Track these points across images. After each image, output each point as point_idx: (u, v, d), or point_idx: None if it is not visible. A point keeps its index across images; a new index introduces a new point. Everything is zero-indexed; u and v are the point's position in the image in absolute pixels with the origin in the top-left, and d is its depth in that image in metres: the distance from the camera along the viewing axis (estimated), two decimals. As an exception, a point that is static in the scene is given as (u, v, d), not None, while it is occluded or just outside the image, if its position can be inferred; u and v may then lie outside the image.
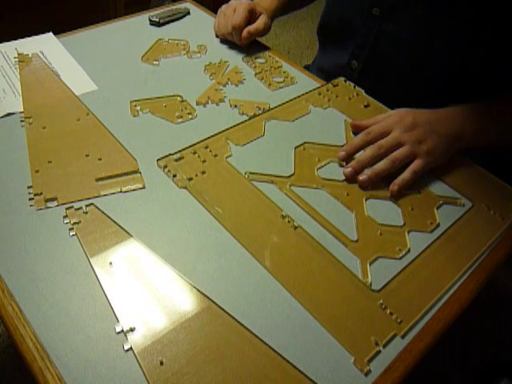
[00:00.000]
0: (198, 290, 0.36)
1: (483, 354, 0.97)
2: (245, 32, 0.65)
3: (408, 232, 0.43)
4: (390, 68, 0.64)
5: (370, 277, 0.39)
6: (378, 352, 0.34)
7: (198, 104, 0.56)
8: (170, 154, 0.48)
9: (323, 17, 0.73)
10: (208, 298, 0.36)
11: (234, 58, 0.66)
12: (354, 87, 0.62)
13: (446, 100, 0.63)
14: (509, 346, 0.99)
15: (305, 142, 0.52)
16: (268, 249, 0.40)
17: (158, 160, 0.47)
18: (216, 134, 0.51)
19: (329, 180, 0.48)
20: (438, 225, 0.45)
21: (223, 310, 0.35)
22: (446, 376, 0.93)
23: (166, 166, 0.47)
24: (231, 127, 0.53)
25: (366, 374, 0.33)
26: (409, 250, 0.42)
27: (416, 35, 0.59)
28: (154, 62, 0.63)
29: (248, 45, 0.68)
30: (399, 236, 0.43)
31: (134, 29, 0.71)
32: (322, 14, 0.73)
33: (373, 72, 0.67)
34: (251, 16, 0.67)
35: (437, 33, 0.57)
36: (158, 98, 0.57)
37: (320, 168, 0.49)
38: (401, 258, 0.41)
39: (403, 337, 0.36)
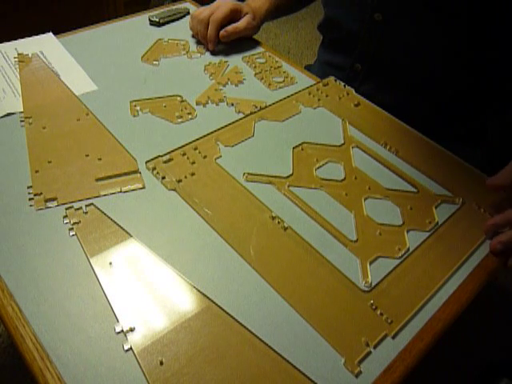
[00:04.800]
0: (198, 290, 0.36)
1: (483, 354, 0.97)
2: (222, 31, 0.65)
3: (407, 231, 0.44)
4: (395, 71, 0.64)
5: (370, 277, 0.39)
6: (369, 353, 0.34)
7: (197, 104, 0.56)
8: (159, 156, 0.48)
9: (323, 21, 0.73)
10: (208, 298, 0.36)
11: (234, 58, 0.66)
12: (345, 86, 0.62)
13: (452, 99, 0.63)
14: (509, 346, 0.99)
15: (303, 142, 0.52)
16: (256, 250, 0.40)
17: (146, 162, 0.47)
18: (205, 136, 0.51)
19: (327, 180, 0.48)
20: (437, 223, 0.45)
21: (223, 310, 0.35)
22: (446, 376, 0.93)
23: (154, 168, 0.46)
24: (220, 128, 0.52)
25: (357, 376, 0.33)
26: (408, 249, 0.42)
27: (420, 38, 0.59)
28: (154, 62, 0.63)
29: (248, 44, 0.68)
30: (398, 235, 0.43)
31: (134, 29, 0.71)
32: (323, 18, 0.72)
33: (377, 74, 0.67)
34: (235, 15, 0.67)
35: (441, 35, 0.57)
36: (158, 98, 0.57)
37: (318, 168, 0.49)
38: (401, 258, 0.41)
39: (394, 337, 0.36)
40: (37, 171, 0.44)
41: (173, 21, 0.74)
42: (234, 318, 0.35)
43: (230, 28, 0.65)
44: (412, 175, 0.50)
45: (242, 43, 0.69)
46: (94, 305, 0.35)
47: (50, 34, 0.67)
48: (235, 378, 0.32)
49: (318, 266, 0.40)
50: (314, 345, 0.34)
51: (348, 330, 0.35)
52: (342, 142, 0.53)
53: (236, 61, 0.66)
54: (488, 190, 0.47)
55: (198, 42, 0.69)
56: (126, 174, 0.46)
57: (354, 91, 0.61)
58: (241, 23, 0.66)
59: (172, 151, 0.48)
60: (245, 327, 0.34)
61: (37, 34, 0.66)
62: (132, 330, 0.33)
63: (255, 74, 0.63)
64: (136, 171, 0.46)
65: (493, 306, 1.04)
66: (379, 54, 0.64)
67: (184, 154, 0.48)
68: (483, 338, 0.99)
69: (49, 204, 0.42)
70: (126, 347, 0.32)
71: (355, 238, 0.42)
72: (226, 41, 0.66)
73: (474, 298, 0.40)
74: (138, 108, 0.55)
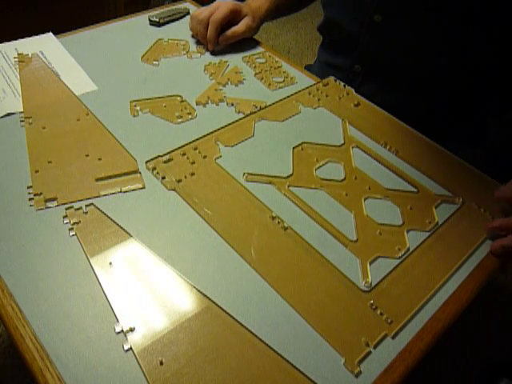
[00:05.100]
0: (198, 290, 0.36)
1: (483, 354, 0.97)
2: (221, 36, 0.65)
3: (407, 231, 0.44)
4: (394, 71, 0.64)
5: (370, 277, 0.39)
6: (369, 353, 0.34)
7: (197, 104, 0.56)
8: (159, 156, 0.47)
9: (323, 23, 0.73)
10: (208, 298, 0.36)
11: (234, 58, 0.66)
12: (345, 86, 0.62)
13: (452, 99, 0.63)
14: (509, 345, 0.99)
15: (303, 142, 0.52)
16: (256, 250, 0.40)
17: (146, 162, 0.47)
18: (205, 136, 0.51)
19: (327, 180, 0.48)
20: (437, 223, 0.45)
21: (223, 310, 0.35)
22: (446, 376, 0.93)
23: (154, 168, 0.46)
24: (220, 128, 0.52)
25: (357, 376, 0.33)
26: (408, 249, 0.42)
27: (420, 39, 0.59)
28: (154, 62, 0.63)
29: (248, 44, 0.68)
30: (398, 235, 0.43)
31: (134, 29, 0.71)
32: (323, 19, 0.72)
33: (377, 75, 0.67)
34: (234, 16, 0.67)
35: (441, 35, 0.58)
36: (158, 98, 0.57)
37: (318, 168, 0.49)
38: (400, 258, 0.41)
39: (394, 337, 0.36)
40: (37, 171, 0.44)
41: (173, 21, 0.74)
42: (234, 318, 0.35)
43: (228, 33, 0.66)
44: (412, 175, 0.50)
45: (242, 43, 0.69)
46: (93, 305, 0.35)
47: (50, 34, 0.67)
48: (235, 378, 0.32)
49: (318, 266, 0.40)
50: (313, 345, 0.34)
51: (348, 330, 0.35)
52: (342, 141, 0.53)
53: (236, 61, 0.66)
54: (496, 201, 0.46)
55: (198, 42, 0.69)
56: (126, 173, 0.46)
57: (353, 91, 0.61)
58: (239, 27, 0.66)
59: (172, 151, 0.48)
60: (245, 327, 0.34)
61: (37, 34, 0.66)
62: (132, 330, 0.33)
63: (255, 74, 0.63)
64: (136, 171, 0.46)
65: (493, 306, 1.04)
66: (379, 55, 0.64)
67: (184, 154, 0.48)
68: (483, 338, 0.99)
69: (49, 204, 0.42)
70: (126, 347, 0.32)
71: (355, 238, 0.42)
72: (224, 44, 0.66)
73: (474, 297, 0.40)
74: (138, 108, 0.55)
